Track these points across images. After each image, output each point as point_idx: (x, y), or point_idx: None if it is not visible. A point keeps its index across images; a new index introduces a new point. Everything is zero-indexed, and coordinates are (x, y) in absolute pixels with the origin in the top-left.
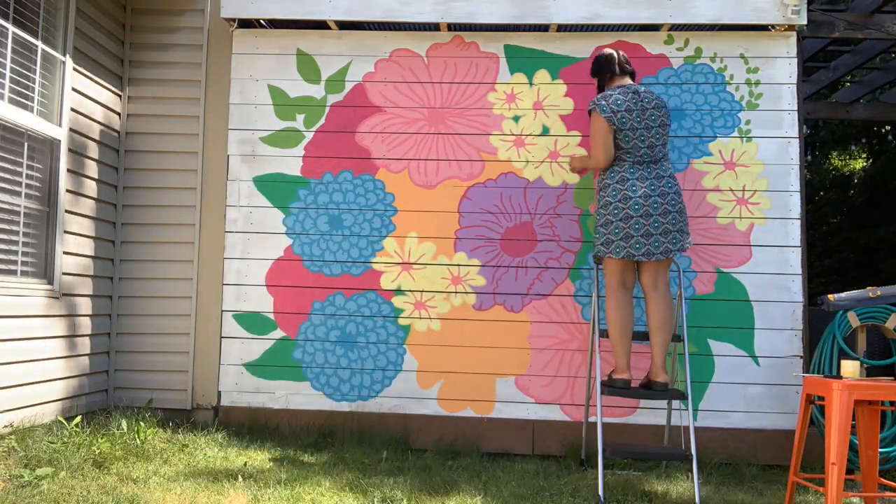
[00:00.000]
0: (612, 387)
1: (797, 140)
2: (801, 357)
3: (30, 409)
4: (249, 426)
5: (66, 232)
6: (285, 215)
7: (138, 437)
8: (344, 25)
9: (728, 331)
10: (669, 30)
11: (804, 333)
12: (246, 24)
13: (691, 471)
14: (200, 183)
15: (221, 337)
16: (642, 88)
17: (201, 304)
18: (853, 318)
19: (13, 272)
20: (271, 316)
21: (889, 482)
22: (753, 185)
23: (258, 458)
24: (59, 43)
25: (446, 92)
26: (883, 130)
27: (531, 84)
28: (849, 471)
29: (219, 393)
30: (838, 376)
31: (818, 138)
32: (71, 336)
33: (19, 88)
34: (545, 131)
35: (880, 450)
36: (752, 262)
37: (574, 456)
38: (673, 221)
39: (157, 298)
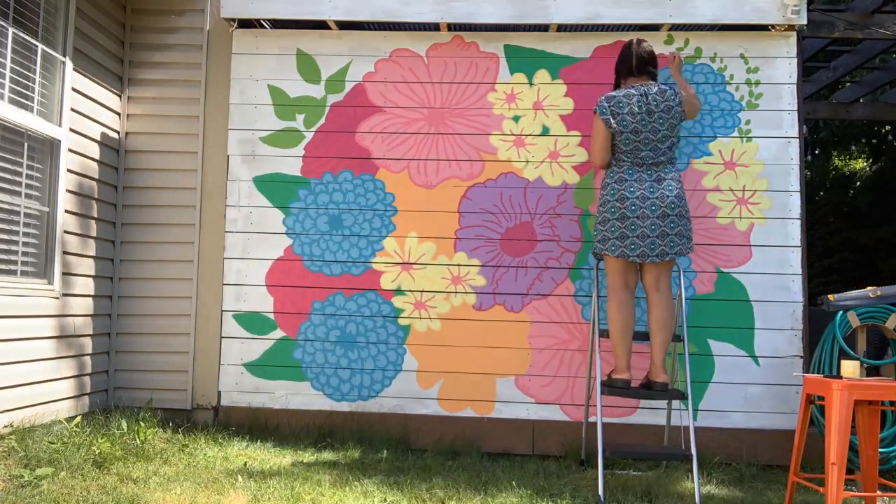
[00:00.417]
0: (612, 387)
1: (797, 140)
2: (801, 357)
3: (30, 409)
4: (249, 426)
5: (66, 232)
6: (285, 215)
7: (138, 437)
8: (344, 25)
9: (728, 331)
10: (669, 30)
11: (804, 333)
12: (246, 24)
13: (691, 471)
14: (200, 183)
15: (221, 337)
16: (654, 89)
17: (201, 304)
18: (853, 318)
19: (13, 272)
20: (271, 316)
21: (889, 482)
22: (753, 185)
23: (258, 458)
24: (59, 43)
25: (446, 92)
26: (883, 130)
27: (531, 84)
28: (849, 471)
29: (219, 393)
30: (838, 376)
31: (818, 138)
32: (71, 336)
33: (19, 89)
34: (545, 131)
35: (880, 450)
36: (752, 262)
37: (574, 456)
38: (671, 225)
39: (157, 298)
